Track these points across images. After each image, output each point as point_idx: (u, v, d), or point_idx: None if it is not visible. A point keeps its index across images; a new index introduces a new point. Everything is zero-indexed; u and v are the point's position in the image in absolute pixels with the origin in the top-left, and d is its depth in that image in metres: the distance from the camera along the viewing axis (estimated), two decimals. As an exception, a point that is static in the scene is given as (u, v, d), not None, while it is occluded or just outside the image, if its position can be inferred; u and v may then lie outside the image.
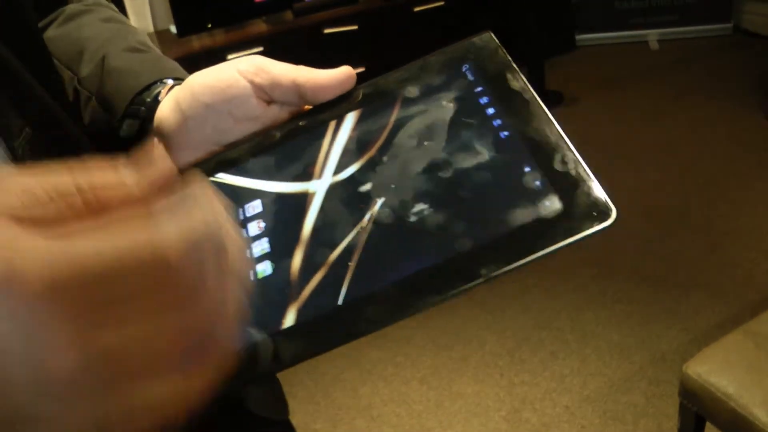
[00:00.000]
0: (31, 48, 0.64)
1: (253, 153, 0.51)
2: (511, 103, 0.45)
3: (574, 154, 0.42)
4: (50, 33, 0.74)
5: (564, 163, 0.42)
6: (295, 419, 0.85)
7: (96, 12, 0.77)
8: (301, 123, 0.51)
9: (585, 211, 0.40)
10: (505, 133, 0.44)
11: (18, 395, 0.25)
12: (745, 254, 2.54)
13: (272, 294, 0.43)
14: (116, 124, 0.63)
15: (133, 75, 0.65)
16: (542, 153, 0.43)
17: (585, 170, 0.41)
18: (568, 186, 0.41)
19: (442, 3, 3.43)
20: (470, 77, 0.48)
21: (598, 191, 0.40)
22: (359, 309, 0.41)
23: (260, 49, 3.02)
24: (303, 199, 0.47)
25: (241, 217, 0.49)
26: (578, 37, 4.36)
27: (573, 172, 0.41)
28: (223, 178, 0.51)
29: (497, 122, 0.45)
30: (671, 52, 4.19)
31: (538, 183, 0.42)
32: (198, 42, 3.04)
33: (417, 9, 3.39)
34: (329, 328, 0.41)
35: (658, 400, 2.04)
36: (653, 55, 4.22)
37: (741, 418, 1.37)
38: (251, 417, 0.72)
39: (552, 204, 0.41)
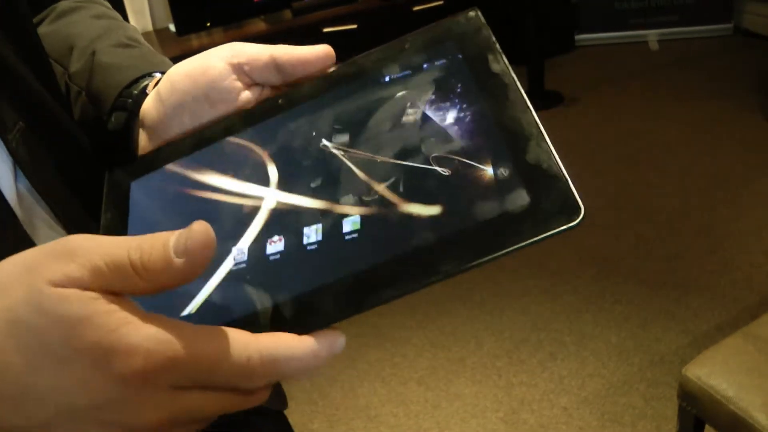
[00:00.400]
0: (26, 41, 0.64)
1: (225, 134, 0.51)
2: (489, 86, 0.43)
3: (548, 147, 0.40)
4: (42, 30, 0.74)
5: (537, 155, 0.40)
6: (293, 419, 0.85)
7: (87, 9, 0.76)
8: (279, 101, 0.50)
9: (552, 208, 0.38)
10: (480, 118, 0.42)
11: None
12: (745, 256, 2.54)
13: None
14: (105, 117, 0.63)
15: (121, 69, 0.65)
16: (515, 143, 0.40)
17: (557, 164, 0.39)
18: (537, 180, 0.39)
19: (441, 2, 3.42)
20: (450, 57, 0.46)
21: (568, 188, 0.38)
22: (310, 302, 0.41)
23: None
24: (266, 178, 0.47)
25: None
26: (578, 37, 4.35)
27: (545, 166, 0.39)
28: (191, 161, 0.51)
29: (473, 108, 0.43)
30: (671, 52, 4.18)
31: (507, 175, 0.40)
32: (197, 41, 3.03)
33: (416, 8, 3.38)
34: (281, 320, 0.41)
35: (657, 402, 2.04)
36: (653, 55, 4.22)
37: (741, 421, 1.36)
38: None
39: (519, 198, 0.39)
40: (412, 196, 0.41)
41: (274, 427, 0.82)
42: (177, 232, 0.36)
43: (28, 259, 0.36)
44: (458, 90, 0.44)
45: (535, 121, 0.41)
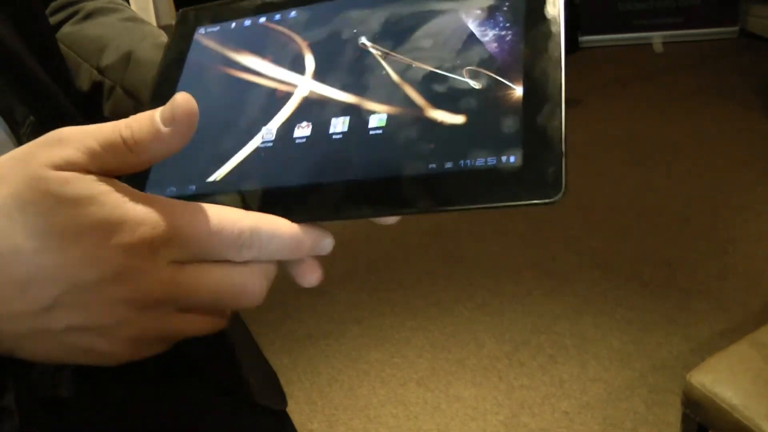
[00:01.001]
0: (37, 34, 0.64)
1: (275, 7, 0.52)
2: (536, 28, 0.42)
3: (561, 115, 0.39)
4: (67, 29, 0.75)
5: (547, 120, 0.39)
6: (292, 418, 0.85)
7: (118, 11, 0.78)
8: None
9: (540, 179, 0.38)
10: (511, 62, 0.42)
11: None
12: (749, 262, 2.52)
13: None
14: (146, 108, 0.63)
15: None
16: (534, 97, 0.40)
17: (562, 136, 0.39)
18: (537, 146, 0.39)
19: (446, 1, 3.41)
20: None
21: (561, 164, 0.38)
22: (311, 193, 0.43)
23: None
24: (302, 67, 0.48)
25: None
26: (581, 38, 4.34)
27: (549, 133, 0.39)
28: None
29: (512, 44, 0.42)
30: (676, 54, 4.17)
31: (512, 130, 0.40)
32: (200, 36, 3.03)
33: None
34: (281, 201, 0.43)
35: (659, 408, 2.02)
36: (657, 57, 4.21)
37: (746, 431, 1.35)
38: (252, 405, 0.74)
39: (514, 159, 0.39)
40: (438, 103, 0.42)
41: (277, 426, 0.82)
42: (161, 108, 0.39)
43: (21, 152, 0.38)
44: (508, 19, 0.44)
45: (561, 84, 0.40)
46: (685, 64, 4.04)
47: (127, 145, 0.38)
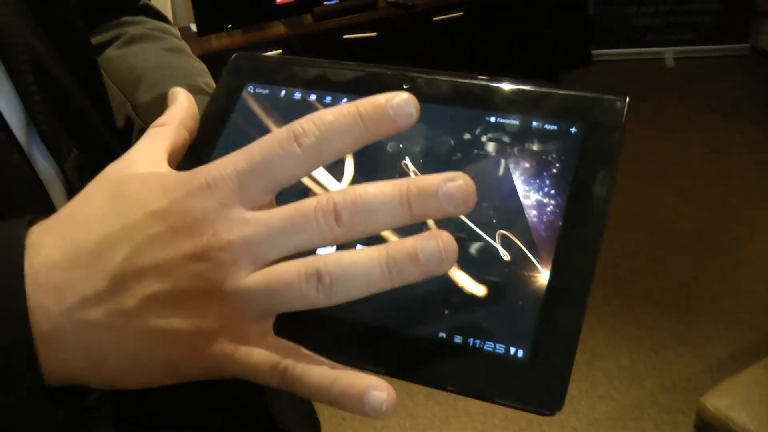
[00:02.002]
0: (84, 66, 0.63)
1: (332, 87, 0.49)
2: (581, 203, 0.40)
3: (580, 320, 0.36)
4: (110, 53, 0.73)
5: (565, 321, 0.37)
6: None
7: (160, 40, 0.75)
8: (404, 86, 0.47)
9: (542, 387, 0.36)
10: (545, 240, 0.39)
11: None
12: (761, 282, 2.52)
13: None
14: None
15: None
16: (557, 292, 0.37)
17: (576, 344, 0.36)
18: (548, 347, 0.36)
19: (461, 13, 3.41)
20: (568, 136, 0.42)
21: (565, 377, 0.36)
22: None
23: (278, 51, 3.00)
24: (340, 172, 0.45)
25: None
26: (594, 52, 4.34)
27: (564, 337, 0.36)
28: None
29: (547, 221, 0.40)
30: (687, 70, 4.17)
31: (527, 321, 0.37)
32: (217, 41, 3.03)
33: (436, 18, 3.37)
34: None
35: (669, 428, 2.02)
36: (669, 72, 4.20)
37: (760, 457, 1.35)
38: None
39: (522, 354, 0.37)
40: (464, 265, 0.40)
41: None
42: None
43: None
44: (554, 184, 0.41)
45: (589, 285, 0.37)
46: (696, 80, 4.04)
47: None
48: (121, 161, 0.41)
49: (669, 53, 4.29)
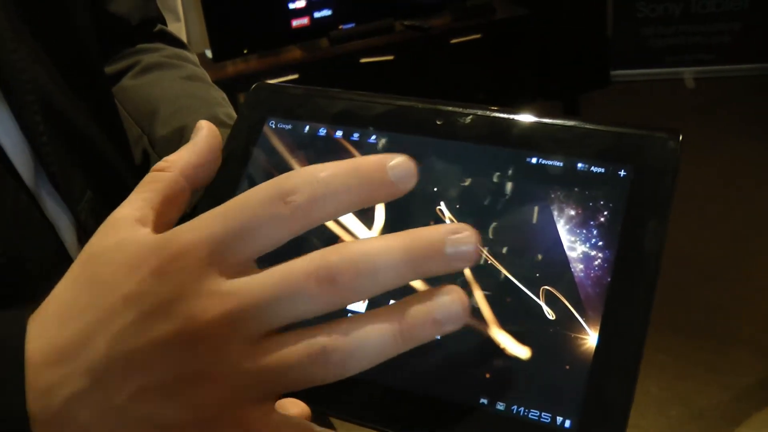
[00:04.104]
0: (96, 100, 0.61)
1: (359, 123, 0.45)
2: (627, 261, 0.36)
3: (632, 388, 0.34)
4: (125, 83, 0.70)
5: (615, 390, 0.34)
6: None
7: (177, 68, 0.72)
8: (437, 121, 0.43)
9: None
10: (593, 298, 0.36)
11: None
12: (787, 309, 2.47)
13: None
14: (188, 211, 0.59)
15: None
16: (606, 358, 0.34)
17: (627, 417, 0.33)
18: (597, 419, 0.34)
19: (478, 35, 3.40)
20: (614, 187, 0.38)
21: None
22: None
23: (295, 76, 2.99)
24: (370, 218, 0.42)
25: None
26: (612, 73, 4.32)
27: (614, 408, 0.34)
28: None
29: (595, 277, 0.36)
30: (708, 91, 4.13)
31: (575, 388, 0.34)
32: (233, 67, 3.02)
33: (453, 41, 3.35)
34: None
35: (697, 459, 1.98)
36: (689, 93, 4.17)
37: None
38: None
39: (570, 425, 0.34)
40: (505, 324, 0.37)
41: None
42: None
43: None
44: (602, 234, 0.38)
45: (641, 345, 0.34)
46: (717, 100, 4.00)
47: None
48: (105, 224, 0.37)
49: (688, 73, 4.26)
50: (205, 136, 0.41)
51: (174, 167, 0.39)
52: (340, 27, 3.17)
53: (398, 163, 0.33)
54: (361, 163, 0.33)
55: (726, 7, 4.14)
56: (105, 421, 0.33)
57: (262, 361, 0.32)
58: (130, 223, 0.36)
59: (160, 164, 0.39)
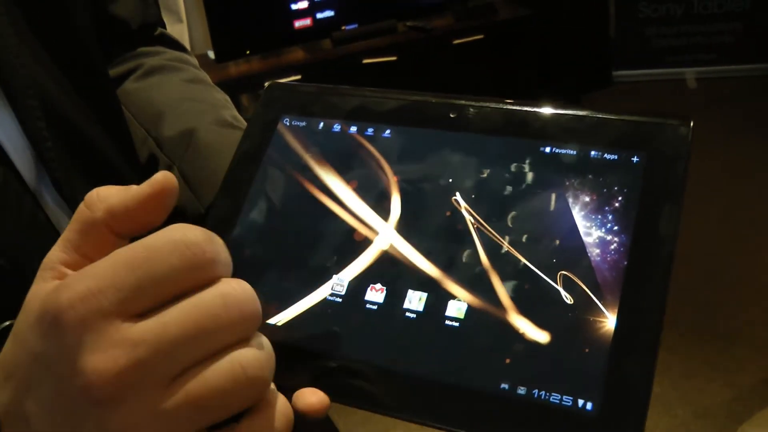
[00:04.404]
0: (100, 103, 0.61)
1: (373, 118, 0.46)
2: (643, 244, 0.37)
3: (652, 368, 0.34)
4: (128, 86, 0.71)
5: (636, 370, 0.34)
6: None
7: (179, 71, 0.72)
8: (450, 114, 0.44)
9: None
10: (610, 281, 0.36)
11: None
12: (790, 307, 2.47)
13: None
14: (203, 210, 0.59)
15: (222, 153, 0.60)
16: (626, 339, 0.35)
17: (648, 395, 0.34)
18: (619, 399, 0.34)
19: (481, 36, 3.40)
20: (628, 173, 0.39)
21: (639, 430, 0.33)
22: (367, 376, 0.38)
23: (298, 76, 2.99)
24: (386, 210, 0.43)
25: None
26: (615, 73, 4.32)
27: (635, 387, 0.34)
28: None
29: (612, 261, 0.37)
30: (710, 91, 4.13)
31: (596, 370, 0.35)
32: (235, 68, 3.02)
33: (456, 41, 3.36)
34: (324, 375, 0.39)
35: (702, 458, 1.97)
36: (691, 93, 4.17)
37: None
38: None
39: (591, 406, 0.34)
40: (524, 309, 0.37)
41: None
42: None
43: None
44: (618, 219, 0.38)
45: (659, 326, 0.35)
46: (719, 100, 4.00)
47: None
48: (40, 268, 0.35)
49: (690, 74, 4.26)
50: (151, 184, 0.35)
51: (98, 208, 0.35)
52: (343, 28, 3.17)
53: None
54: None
55: (728, 8, 4.15)
56: None
57: (182, 398, 0.31)
58: (47, 270, 0.34)
59: (88, 199, 0.36)
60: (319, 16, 3.12)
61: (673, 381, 2.23)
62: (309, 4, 3.08)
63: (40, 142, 0.52)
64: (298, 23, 3.08)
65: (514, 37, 3.53)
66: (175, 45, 0.80)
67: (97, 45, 0.62)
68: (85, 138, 0.57)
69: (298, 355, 0.40)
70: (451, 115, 0.43)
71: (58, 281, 0.33)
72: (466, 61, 3.38)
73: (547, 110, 0.42)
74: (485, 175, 0.41)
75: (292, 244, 0.44)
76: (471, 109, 0.43)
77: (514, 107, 0.42)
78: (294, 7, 3.05)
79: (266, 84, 0.50)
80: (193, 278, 0.31)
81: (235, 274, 0.34)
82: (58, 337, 0.30)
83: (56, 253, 0.35)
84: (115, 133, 0.61)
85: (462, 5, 3.39)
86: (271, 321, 0.41)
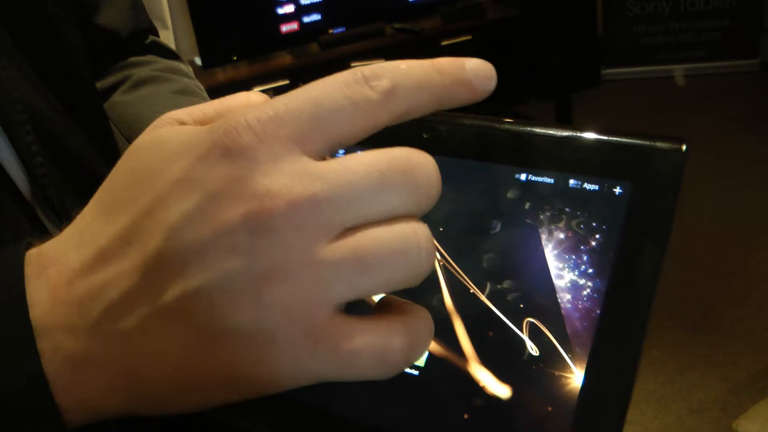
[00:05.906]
0: (89, 118, 0.60)
1: None
2: (618, 296, 0.32)
3: (623, 408, 0.30)
4: (116, 98, 0.70)
5: (601, 430, 0.30)
6: None
7: (169, 81, 0.71)
8: (423, 135, 0.38)
9: None
10: (580, 334, 0.32)
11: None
12: (783, 300, 2.47)
13: None
14: None
15: None
16: (592, 402, 0.31)
17: None
18: None
19: (469, 37, 3.40)
20: (608, 207, 0.34)
21: None
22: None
23: (285, 81, 2.99)
24: None
25: None
26: (604, 71, 4.33)
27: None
28: None
29: (583, 311, 0.33)
30: (698, 87, 4.15)
31: (554, 430, 0.31)
32: (222, 74, 3.02)
33: (444, 42, 3.36)
34: None
35: (698, 453, 1.97)
36: (679, 90, 4.18)
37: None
38: None
39: None
40: (486, 360, 0.33)
41: None
42: None
43: None
44: (593, 262, 0.34)
45: (629, 388, 0.31)
46: (707, 96, 4.01)
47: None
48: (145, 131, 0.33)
49: (679, 71, 4.28)
50: None
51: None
52: (330, 31, 3.17)
53: (476, 62, 0.31)
54: (439, 60, 0.30)
55: (715, 5, 4.16)
56: (151, 329, 0.28)
57: (347, 253, 0.27)
58: (171, 121, 0.33)
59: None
60: (305, 20, 3.11)
61: (668, 376, 2.23)
62: (295, 9, 3.08)
63: (31, 157, 0.51)
64: (285, 27, 3.08)
65: (503, 37, 3.54)
66: (167, 53, 0.78)
67: (86, 59, 0.61)
68: (74, 153, 0.56)
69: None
70: (424, 136, 0.38)
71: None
72: (454, 63, 3.38)
73: (524, 129, 0.37)
74: (453, 206, 0.37)
75: None
76: (443, 128, 0.38)
77: (491, 125, 0.37)
78: (280, 11, 3.05)
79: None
80: (374, 118, 0.29)
81: None
82: (220, 161, 0.27)
83: (177, 113, 0.33)
84: (103, 148, 0.60)
85: (450, 6, 3.39)
86: None
